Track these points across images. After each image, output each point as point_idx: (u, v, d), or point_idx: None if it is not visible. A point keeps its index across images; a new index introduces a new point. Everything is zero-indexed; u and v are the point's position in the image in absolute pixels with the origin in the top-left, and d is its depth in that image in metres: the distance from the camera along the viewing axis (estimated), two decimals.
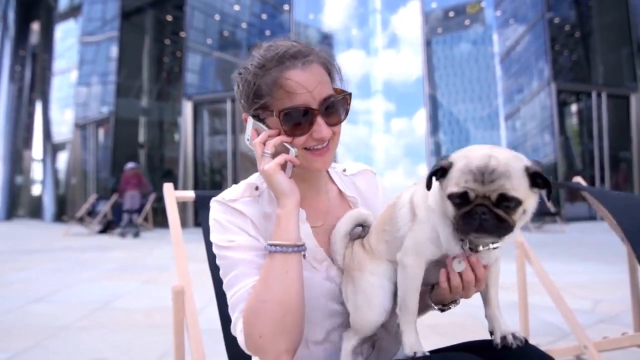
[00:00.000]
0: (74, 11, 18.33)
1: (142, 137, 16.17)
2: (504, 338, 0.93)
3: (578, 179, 2.63)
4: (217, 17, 15.09)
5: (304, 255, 1.01)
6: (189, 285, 1.46)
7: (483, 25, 16.07)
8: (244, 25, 15.25)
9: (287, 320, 0.93)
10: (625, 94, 13.90)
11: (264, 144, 1.00)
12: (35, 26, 21.82)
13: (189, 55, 14.45)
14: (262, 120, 1.03)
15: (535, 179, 0.82)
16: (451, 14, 15.93)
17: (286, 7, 14.16)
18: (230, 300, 1.00)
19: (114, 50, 15.76)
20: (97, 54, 16.75)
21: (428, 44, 14.51)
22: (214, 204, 1.08)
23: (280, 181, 0.98)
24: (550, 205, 10.69)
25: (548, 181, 0.81)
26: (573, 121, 15.14)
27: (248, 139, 1.05)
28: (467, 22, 16.00)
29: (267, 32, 15.10)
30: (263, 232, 1.05)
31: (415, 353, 0.90)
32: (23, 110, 22.16)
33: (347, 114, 1.05)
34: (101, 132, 16.16)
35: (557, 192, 11.72)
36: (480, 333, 1.00)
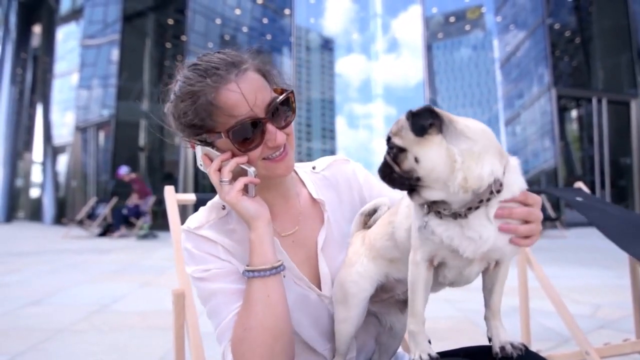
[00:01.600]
0: (75, 14, 18.38)
1: (142, 141, 16.18)
2: (502, 348, 0.91)
3: (580, 185, 2.63)
4: (218, 20, 15.13)
5: (285, 275, 0.99)
6: (190, 289, 1.46)
7: (483, 31, 16.13)
8: (245, 29, 15.29)
9: (276, 346, 0.92)
10: (626, 100, 13.92)
11: (220, 170, 0.96)
12: (37, 29, 21.87)
13: (190, 59, 14.47)
14: (210, 144, 0.97)
15: (415, 122, 0.79)
16: (452, 19, 15.98)
17: (287, 11, 14.20)
18: (215, 330, 0.99)
19: (115, 53, 15.79)
20: (98, 57, 16.78)
21: (428, 48, 14.55)
22: (182, 234, 1.06)
23: (246, 207, 0.95)
24: (550, 211, 10.68)
25: (415, 115, 0.79)
26: (573, 127, 15.16)
27: (201, 165, 1.00)
28: (467, 27, 16.06)
29: (268, 36, 15.15)
30: (235, 252, 1.03)
31: (420, 357, 0.86)
32: (24, 113, 22.18)
33: (294, 112, 1.01)
34: (102, 135, 16.17)
35: (557, 198, 11.71)
36: (479, 338, 0.99)
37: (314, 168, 1.18)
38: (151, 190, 11.33)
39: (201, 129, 0.95)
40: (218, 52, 0.98)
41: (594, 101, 13.63)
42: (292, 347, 0.95)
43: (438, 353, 0.99)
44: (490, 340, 0.95)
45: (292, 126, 1.02)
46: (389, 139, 0.85)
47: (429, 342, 0.91)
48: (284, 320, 0.94)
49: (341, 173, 1.19)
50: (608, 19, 14.63)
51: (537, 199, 0.86)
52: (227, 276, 1.00)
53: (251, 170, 0.96)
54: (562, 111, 14.30)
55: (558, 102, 13.39)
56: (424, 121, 0.79)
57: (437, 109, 0.81)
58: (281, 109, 0.97)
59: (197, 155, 1.00)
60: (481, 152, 0.80)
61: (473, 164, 0.79)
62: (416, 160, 0.80)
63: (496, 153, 0.82)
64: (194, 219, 1.05)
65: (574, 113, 15.07)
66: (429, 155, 0.80)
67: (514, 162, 0.86)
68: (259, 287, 0.93)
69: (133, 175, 11.08)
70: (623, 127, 13.87)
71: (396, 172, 0.83)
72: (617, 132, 13.80)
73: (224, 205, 1.06)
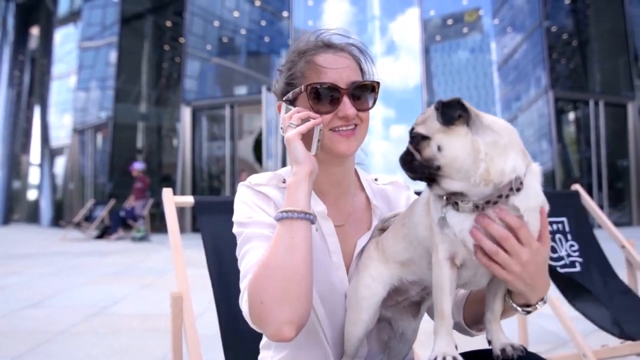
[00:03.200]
0: (73, 16, 18.37)
1: (140, 143, 16.15)
2: (503, 350, 0.91)
3: (577, 187, 2.64)
4: (216, 23, 15.14)
5: (317, 229, 1.03)
6: (188, 291, 1.46)
7: (481, 33, 16.15)
8: (243, 31, 15.29)
9: (290, 288, 0.89)
10: (623, 103, 13.96)
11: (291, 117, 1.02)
12: (35, 31, 21.85)
13: (188, 61, 14.47)
14: (292, 103, 1.07)
15: (444, 111, 0.81)
16: (449, 21, 16.01)
17: (285, 13, 14.21)
18: (241, 273, 1.00)
19: (113, 56, 15.77)
20: (96, 59, 16.76)
21: (426, 51, 14.56)
22: (241, 187, 1.11)
23: (297, 148, 0.98)
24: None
25: (445, 105, 0.81)
26: (571, 129, 15.18)
27: (282, 128, 1.05)
28: (465, 30, 16.08)
29: (266, 39, 15.14)
30: None
31: (444, 357, 0.85)
32: (21, 115, 22.13)
33: (375, 102, 1.07)
34: (99, 137, 16.14)
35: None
36: (479, 341, 0.99)
37: (376, 179, 1.23)
38: (149, 195, 11.32)
39: (291, 85, 1.07)
40: (330, 33, 1.10)
41: (591, 103, 13.65)
42: (308, 296, 0.92)
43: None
44: (489, 343, 0.95)
45: (368, 117, 1.08)
46: (412, 130, 0.87)
47: (456, 346, 0.90)
48: (303, 264, 0.92)
49: (398, 195, 1.22)
50: (605, 22, 14.67)
51: (534, 245, 0.83)
52: (270, 227, 1.02)
53: (317, 129, 1.01)
54: (560, 113, 14.32)
55: (555, 104, 13.40)
56: (453, 112, 0.81)
57: (466, 103, 0.82)
58: (363, 92, 1.05)
59: (280, 118, 1.07)
60: (506, 147, 0.81)
61: (497, 156, 0.80)
62: (439, 148, 0.82)
63: (520, 151, 0.83)
64: (256, 177, 1.11)
65: (571, 115, 15.09)
66: (453, 145, 0.81)
67: (536, 168, 0.86)
68: (286, 228, 0.93)
69: (142, 175, 11.15)
70: (620, 129, 13.90)
71: (417, 160, 0.85)
72: (614, 135, 13.83)
73: (284, 179, 1.10)
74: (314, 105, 1.02)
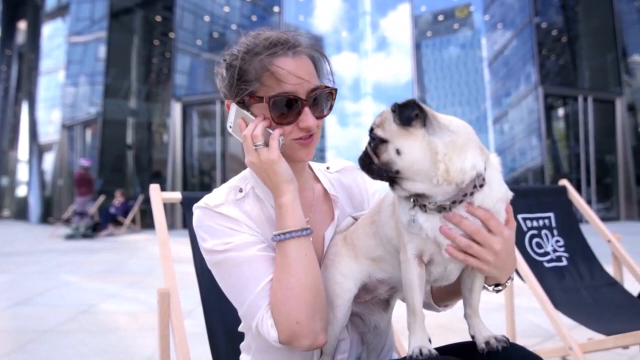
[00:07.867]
0: (61, 10, 18.12)
1: (130, 139, 16.01)
2: (487, 343, 0.92)
3: (564, 182, 2.67)
4: (206, 18, 15.03)
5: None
6: (175, 288, 1.45)
7: (472, 30, 16.19)
8: (233, 26, 15.20)
9: (318, 301, 0.95)
10: (611, 99, 14.09)
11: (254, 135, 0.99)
12: (22, 25, 21.54)
13: (178, 56, 14.36)
14: (246, 107, 1.01)
15: (401, 112, 0.82)
16: (440, 17, 16.03)
17: (276, 9, 14.15)
18: (245, 305, 0.97)
19: (102, 51, 15.60)
20: (85, 54, 16.57)
21: (417, 47, 14.58)
22: (197, 211, 1.04)
23: (285, 168, 0.97)
24: None
25: (401, 107, 0.81)
26: (560, 125, 15.31)
27: (231, 126, 1.02)
28: (456, 26, 16.11)
29: None
30: (255, 231, 1.04)
31: (420, 350, 0.87)
32: (9, 111, 21.85)
33: (331, 109, 1.06)
34: (89, 133, 15.98)
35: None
36: (467, 335, 1.00)
37: (328, 168, 1.22)
38: (90, 191, 11.12)
39: (246, 89, 0.99)
40: (282, 31, 1.03)
41: (580, 99, 13.76)
42: (325, 304, 0.98)
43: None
44: (473, 337, 0.96)
45: (322, 122, 1.06)
46: (371, 130, 0.87)
47: (430, 340, 0.91)
48: (320, 277, 0.97)
49: (353, 178, 1.23)
50: (594, 19, 14.78)
51: (505, 233, 0.87)
52: (255, 245, 0.99)
53: (281, 138, 0.99)
54: (549, 109, 14.43)
55: (545, 100, 13.50)
56: (410, 112, 0.81)
57: (421, 103, 0.82)
58: (321, 100, 1.02)
59: (230, 117, 1.03)
60: (464, 145, 0.82)
61: (455, 156, 0.80)
62: (397, 152, 0.82)
63: (477, 148, 0.84)
64: (212, 198, 1.05)
65: (560, 111, 15.21)
66: (411, 149, 0.81)
67: (494, 159, 0.87)
68: (297, 247, 0.95)
69: (82, 170, 10.92)
70: (608, 125, 14.03)
71: (375, 164, 0.85)
72: (602, 130, 13.96)
73: (240, 189, 1.07)
74: (276, 118, 0.98)
